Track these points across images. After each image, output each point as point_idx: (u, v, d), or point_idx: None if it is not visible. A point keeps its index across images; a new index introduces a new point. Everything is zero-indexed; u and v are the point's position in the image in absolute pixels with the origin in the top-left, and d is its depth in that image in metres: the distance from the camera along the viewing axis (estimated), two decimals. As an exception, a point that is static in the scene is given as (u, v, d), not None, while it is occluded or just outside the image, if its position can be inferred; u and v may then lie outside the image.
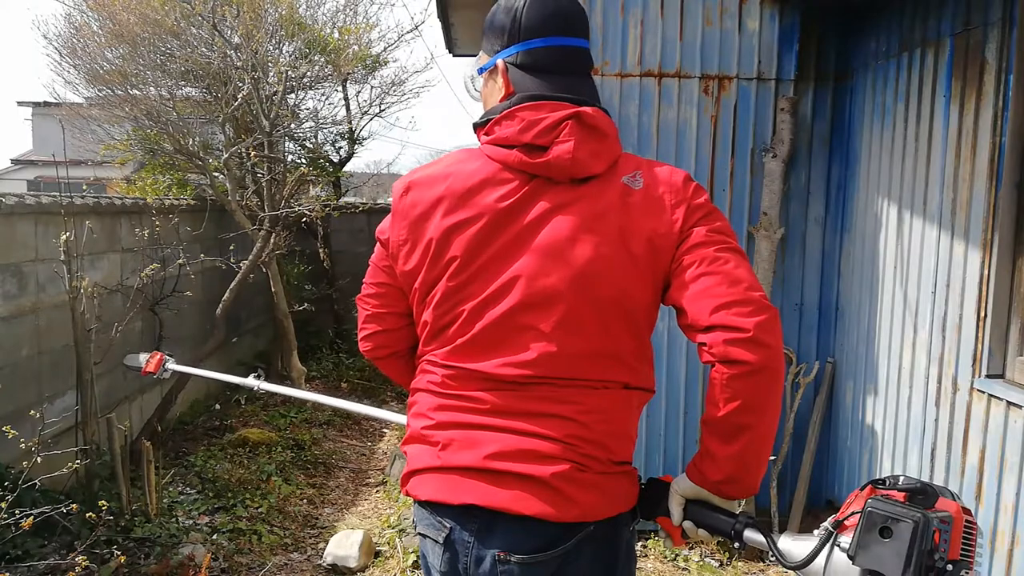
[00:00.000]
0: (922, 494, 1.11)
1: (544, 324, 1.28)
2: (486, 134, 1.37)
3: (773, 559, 1.25)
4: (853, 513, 1.13)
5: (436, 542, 1.32)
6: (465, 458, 1.29)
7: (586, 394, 1.29)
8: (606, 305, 1.28)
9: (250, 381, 2.36)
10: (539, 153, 1.30)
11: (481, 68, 1.45)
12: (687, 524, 1.32)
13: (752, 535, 1.26)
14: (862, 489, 1.17)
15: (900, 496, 1.12)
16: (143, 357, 2.56)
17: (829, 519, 1.19)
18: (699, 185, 1.35)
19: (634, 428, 1.37)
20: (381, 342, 1.52)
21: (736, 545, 1.29)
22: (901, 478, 1.14)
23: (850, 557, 1.11)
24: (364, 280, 1.51)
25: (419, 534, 1.39)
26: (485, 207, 1.31)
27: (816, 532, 1.19)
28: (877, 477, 1.20)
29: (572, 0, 1.42)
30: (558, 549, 1.26)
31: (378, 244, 1.46)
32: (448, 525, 1.30)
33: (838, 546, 1.15)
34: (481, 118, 1.40)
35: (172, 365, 2.53)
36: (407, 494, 1.38)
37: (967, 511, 1.15)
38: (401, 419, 1.91)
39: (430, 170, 1.40)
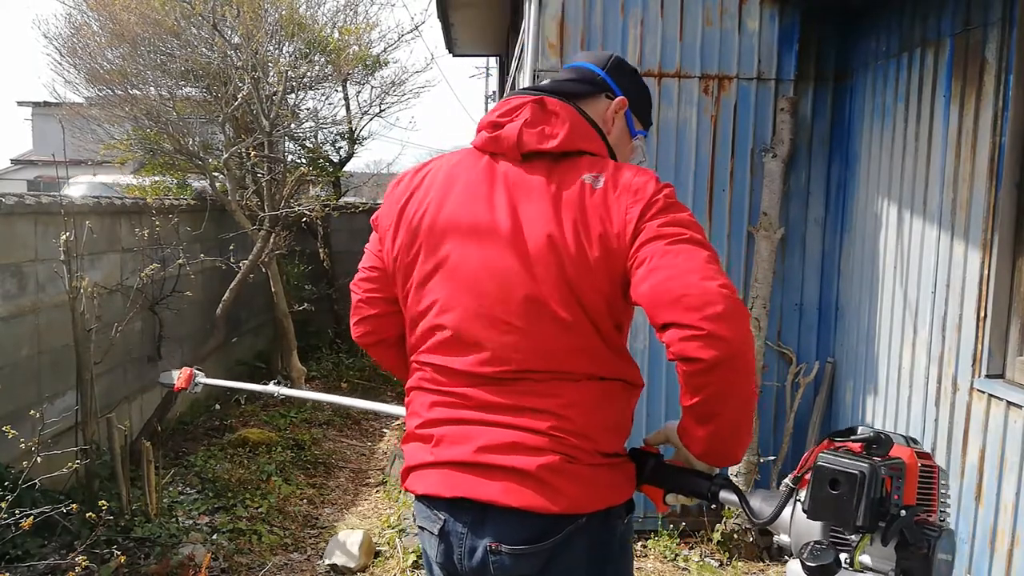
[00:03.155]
0: (876, 443, 1.12)
1: (514, 318, 1.30)
2: None
3: (740, 520, 1.29)
4: (809, 469, 1.16)
5: (432, 534, 1.36)
6: (457, 452, 1.32)
7: (565, 387, 1.30)
8: (563, 296, 1.28)
9: (271, 388, 2.47)
10: (497, 130, 1.38)
11: None
12: (669, 494, 1.40)
13: (726, 495, 1.32)
14: (820, 444, 1.20)
15: (857, 447, 1.13)
16: (175, 374, 2.62)
17: (790, 475, 1.23)
18: (665, 185, 1.31)
19: (624, 419, 1.39)
20: (371, 327, 1.55)
21: (713, 506, 1.35)
22: (860, 429, 1.15)
23: (804, 512, 1.14)
24: (359, 266, 1.56)
25: (418, 527, 1.43)
26: (455, 192, 1.37)
27: (782, 489, 1.24)
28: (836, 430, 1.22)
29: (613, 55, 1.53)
30: (548, 541, 1.28)
31: (373, 230, 1.52)
32: (442, 517, 1.34)
33: (799, 501, 1.18)
34: None
35: (202, 379, 2.60)
36: (406, 489, 1.42)
37: (924, 455, 1.17)
38: None
39: (427, 163, 1.49)
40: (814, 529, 1.16)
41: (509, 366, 1.31)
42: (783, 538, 1.23)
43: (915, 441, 1.21)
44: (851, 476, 1.08)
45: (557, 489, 1.27)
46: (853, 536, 1.11)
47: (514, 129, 1.34)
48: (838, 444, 1.17)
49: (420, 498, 1.39)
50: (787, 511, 1.21)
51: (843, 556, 1.12)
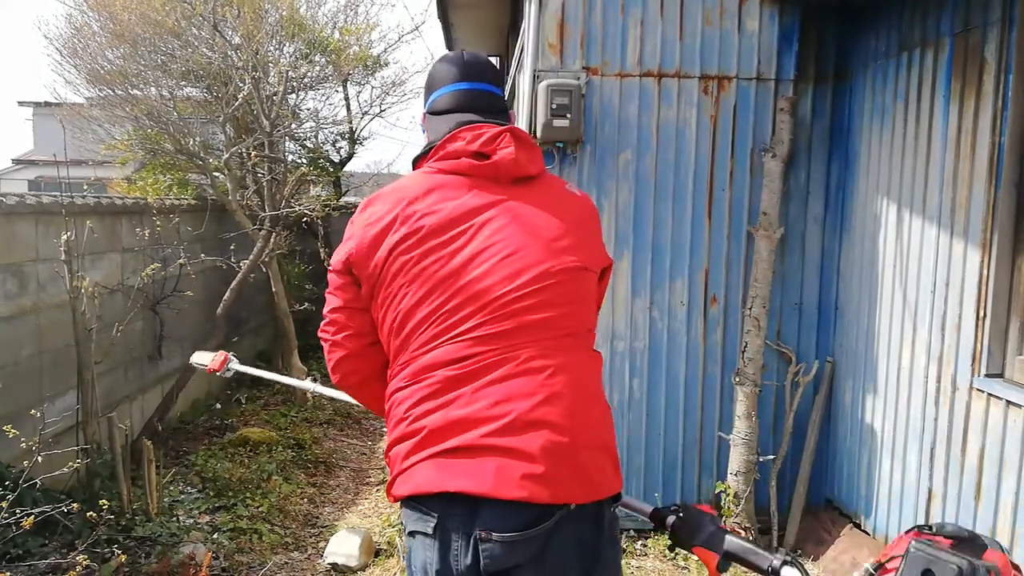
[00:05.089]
0: (970, 543, 1.09)
1: (539, 303, 1.42)
2: (430, 159, 1.53)
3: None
4: (895, 557, 1.11)
5: None
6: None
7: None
8: (578, 279, 1.46)
9: (307, 384, 2.46)
10: (485, 159, 1.48)
11: (422, 128, 1.66)
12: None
13: (790, 572, 1.26)
14: (906, 533, 1.15)
15: (946, 543, 1.10)
16: (209, 356, 2.62)
17: (870, 561, 1.17)
18: None
19: None
20: None
21: None
22: (948, 526, 1.12)
23: None
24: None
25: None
26: (450, 207, 1.44)
27: (856, 574, 1.18)
28: (923, 523, 1.17)
29: (476, 55, 1.63)
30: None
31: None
32: None
33: None
34: (422, 151, 1.57)
35: (236, 365, 2.59)
36: None
37: (1016, 567, 1.12)
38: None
39: (386, 200, 1.50)
40: None
41: None
42: None
43: (1004, 549, 1.17)
44: (949, 570, 1.03)
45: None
46: None
47: (509, 156, 1.46)
48: (926, 536, 1.13)
49: None
50: None
51: None
